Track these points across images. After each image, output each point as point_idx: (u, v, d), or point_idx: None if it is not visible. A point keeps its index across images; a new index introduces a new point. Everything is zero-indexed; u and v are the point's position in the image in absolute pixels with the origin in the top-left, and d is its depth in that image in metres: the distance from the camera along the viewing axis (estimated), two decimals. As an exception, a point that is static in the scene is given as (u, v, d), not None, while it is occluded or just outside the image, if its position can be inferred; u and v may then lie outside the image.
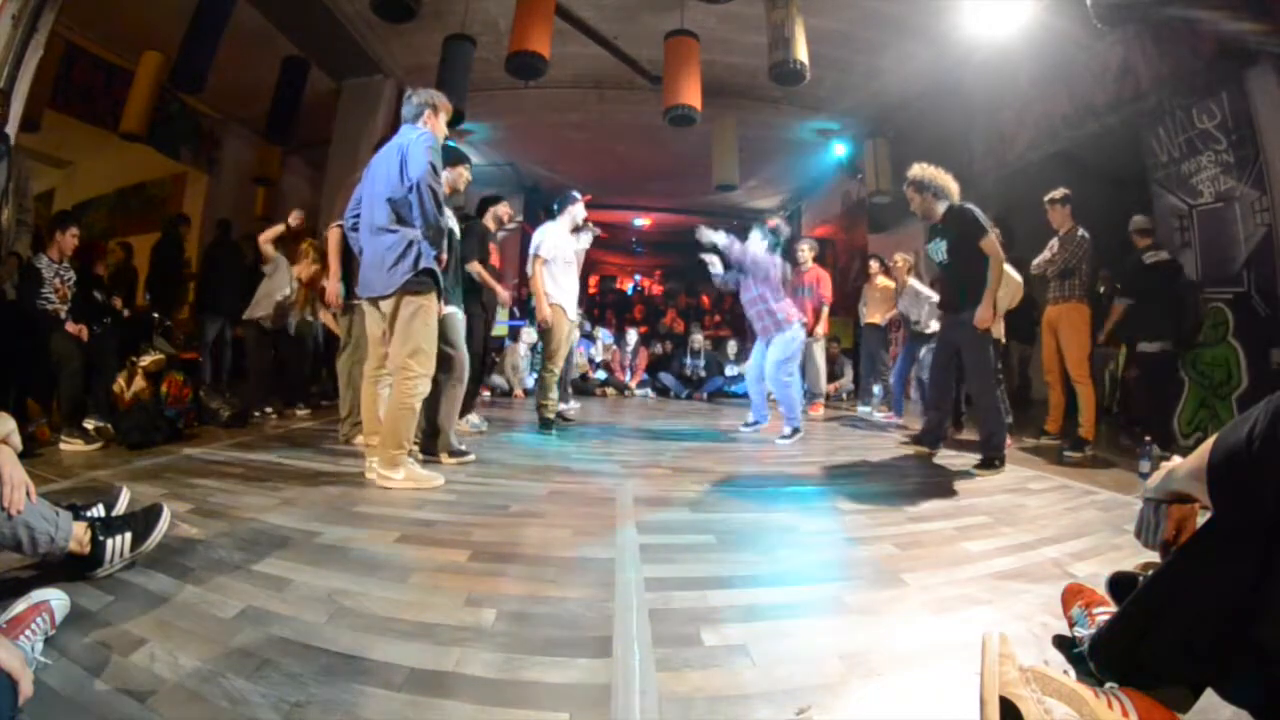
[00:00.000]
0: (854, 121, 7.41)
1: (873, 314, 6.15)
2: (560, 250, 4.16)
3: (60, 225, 3.50)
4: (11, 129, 3.60)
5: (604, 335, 8.43)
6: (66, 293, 3.47)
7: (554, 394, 4.20)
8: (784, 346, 4.20)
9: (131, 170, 7.25)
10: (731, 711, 1.06)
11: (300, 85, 6.19)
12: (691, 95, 5.12)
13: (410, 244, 2.52)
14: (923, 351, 5.25)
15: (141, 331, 4.67)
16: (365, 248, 2.66)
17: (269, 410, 4.41)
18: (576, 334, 5.32)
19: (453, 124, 5.50)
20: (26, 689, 0.91)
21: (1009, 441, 4.11)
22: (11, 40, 3.67)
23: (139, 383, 3.48)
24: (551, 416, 4.19)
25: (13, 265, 3.43)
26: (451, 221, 3.26)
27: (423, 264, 2.53)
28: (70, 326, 3.36)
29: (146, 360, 3.62)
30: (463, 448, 3.14)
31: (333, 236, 3.41)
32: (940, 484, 2.93)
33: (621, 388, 7.88)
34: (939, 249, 3.41)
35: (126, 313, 5.08)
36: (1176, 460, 1.04)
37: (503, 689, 1.09)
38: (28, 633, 1.07)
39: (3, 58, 3.64)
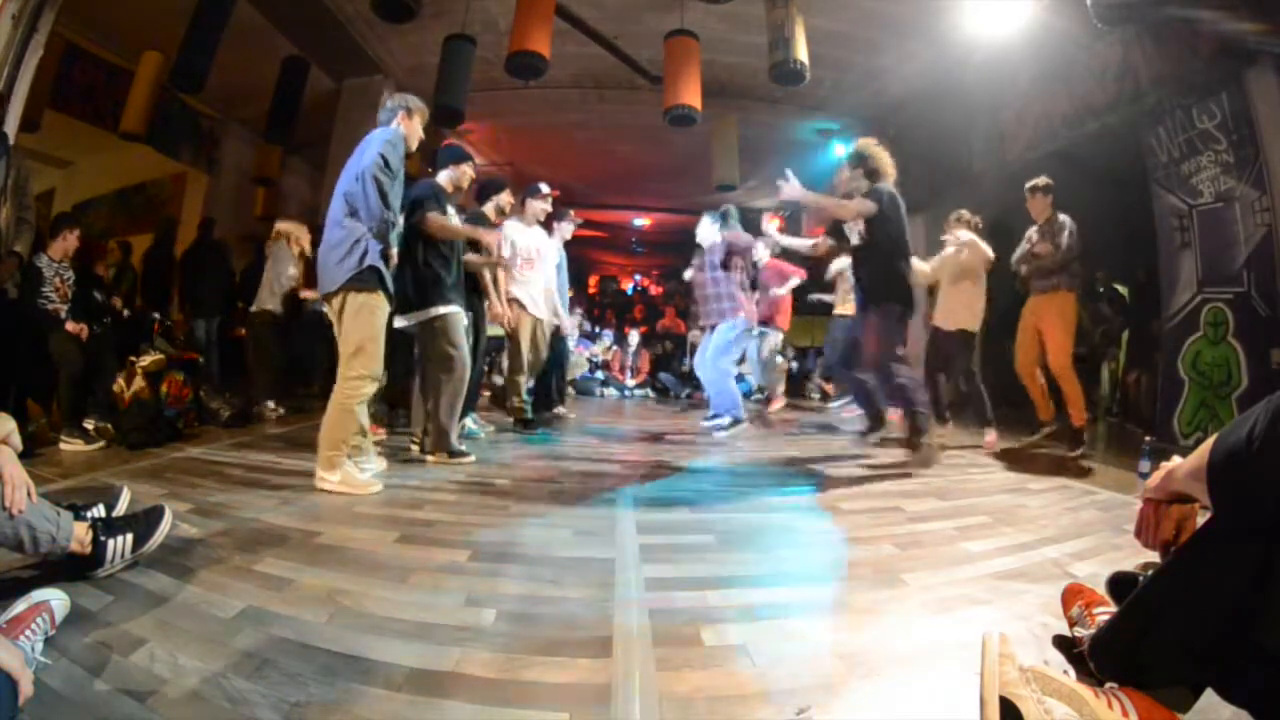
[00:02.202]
0: (854, 121, 7.40)
1: (842, 304, 5.93)
2: (520, 247, 4.15)
3: (63, 226, 3.50)
4: (11, 129, 3.60)
5: (605, 336, 8.43)
6: (67, 291, 3.47)
7: (524, 394, 4.22)
8: (722, 334, 4.16)
9: (131, 170, 7.25)
10: (731, 711, 1.05)
11: (300, 85, 6.19)
12: (691, 95, 5.12)
13: (357, 240, 2.46)
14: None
15: (141, 331, 4.68)
16: (322, 242, 2.64)
17: (271, 406, 4.39)
18: (573, 334, 5.27)
19: (452, 124, 5.52)
20: (26, 689, 0.91)
21: (993, 438, 4.03)
22: (11, 40, 3.67)
23: (139, 383, 3.48)
24: (530, 416, 4.21)
25: (13, 265, 3.42)
26: (455, 219, 3.23)
27: (368, 261, 2.46)
28: (70, 326, 3.36)
29: (146, 360, 3.62)
30: (462, 448, 3.13)
31: None
32: (940, 484, 2.93)
33: (621, 388, 7.88)
34: (855, 228, 3.35)
35: (126, 313, 5.08)
36: (1176, 460, 1.04)
37: (503, 689, 1.09)
38: (28, 633, 1.07)
39: (3, 58, 3.63)
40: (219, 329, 5.80)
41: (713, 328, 4.28)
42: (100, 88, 5.96)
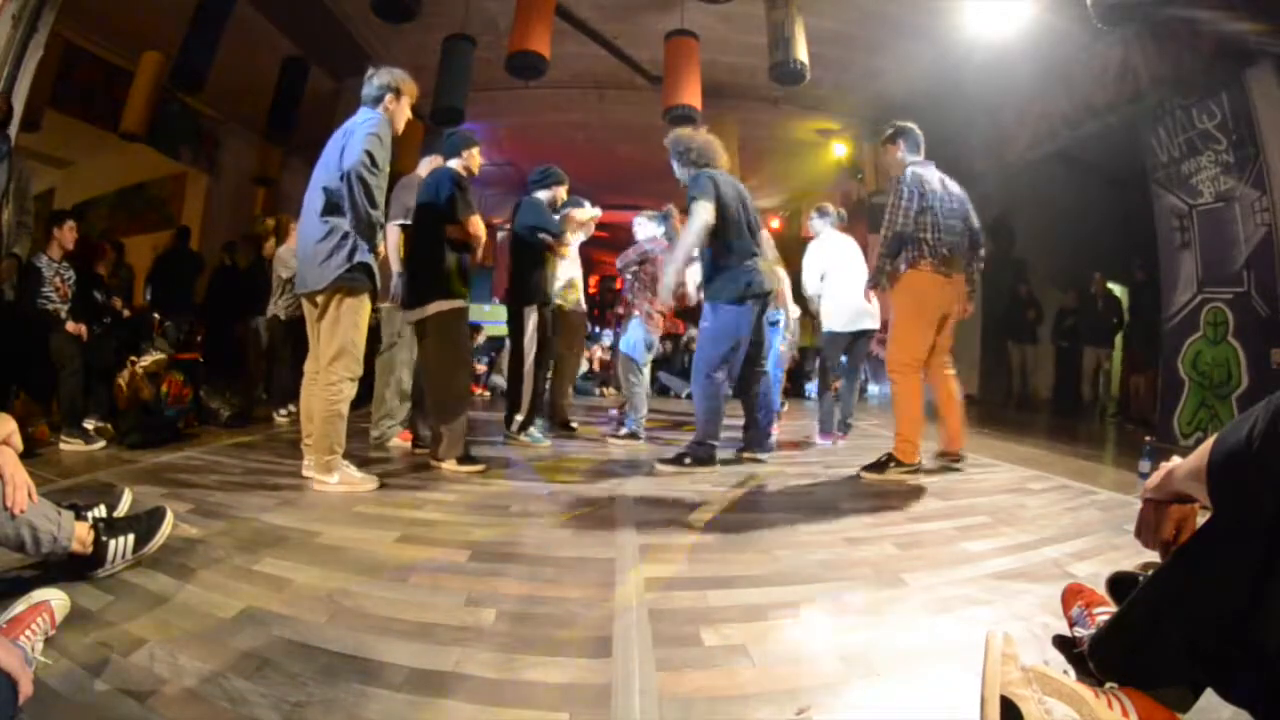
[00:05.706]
0: (854, 121, 7.42)
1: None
2: None
3: (58, 221, 3.49)
4: (12, 130, 3.60)
5: (605, 336, 8.43)
6: (67, 291, 3.46)
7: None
8: (626, 336, 4.10)
9: (131, 170, 7.25)
10: (731, 711, 1.05)
11: (300, 85, 6.20)
12: (691, 95, 5.13)
13: (345, 235, 2.33)
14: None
15: (141, 331, 4.68)
16: (300, 236, 2.50)
17: (284, 412, 4.36)
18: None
19: (451, 123, 5.52)
20: (26, 689, 0.91)
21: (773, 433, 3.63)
22: (11, 40, 3.68)
23: (139, 383, 3.48)
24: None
25: (12, 266, 3.43)
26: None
27: (358, 258, 2.35)
28: (70, 326, 3.36)
29: (147, 360, 3.62)
30: (472, 454, 2.94)
31: (391, 235, 3.31)
32: (940, 484, 2.93)
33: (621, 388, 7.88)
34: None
35: (127, 313, 5.08)
36: (1176, 460, 1.04)
37: (503, 689, 1.09)
38: (28, 633, 1.07)
39: (3, 58, 3.64)
40: (199, 331, 5.81)
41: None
42: (100, 88, 5.96)
